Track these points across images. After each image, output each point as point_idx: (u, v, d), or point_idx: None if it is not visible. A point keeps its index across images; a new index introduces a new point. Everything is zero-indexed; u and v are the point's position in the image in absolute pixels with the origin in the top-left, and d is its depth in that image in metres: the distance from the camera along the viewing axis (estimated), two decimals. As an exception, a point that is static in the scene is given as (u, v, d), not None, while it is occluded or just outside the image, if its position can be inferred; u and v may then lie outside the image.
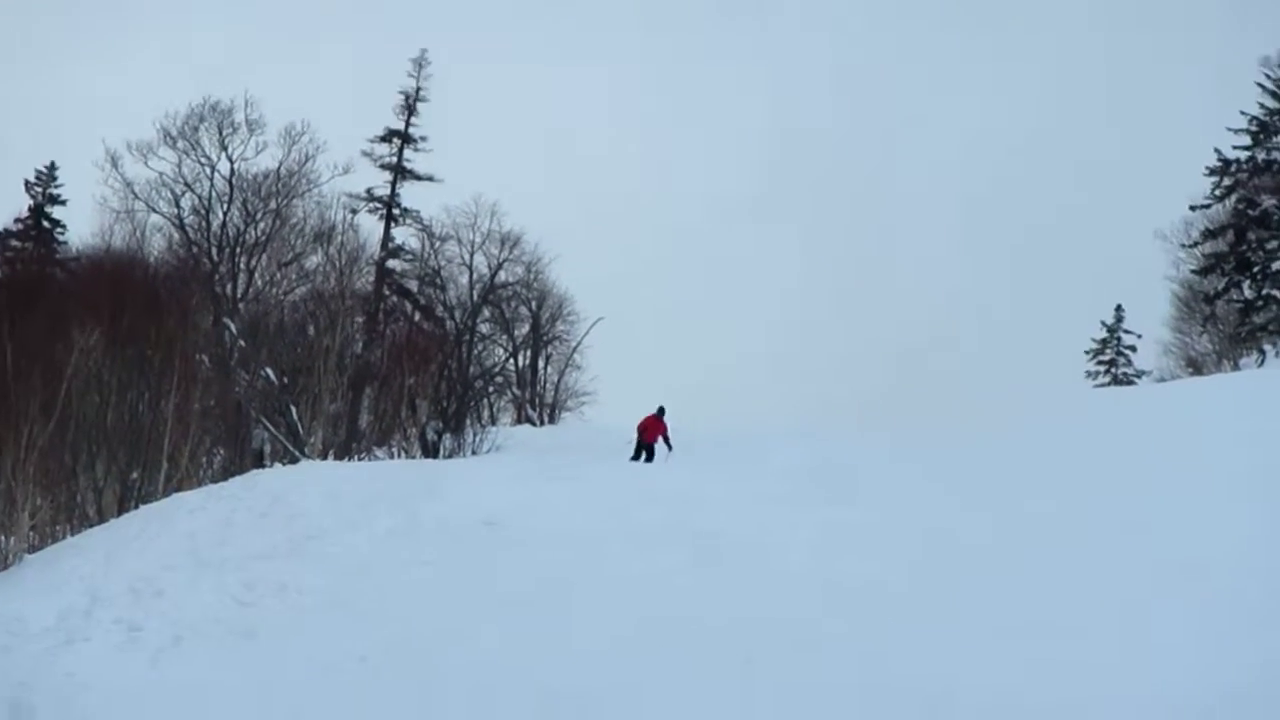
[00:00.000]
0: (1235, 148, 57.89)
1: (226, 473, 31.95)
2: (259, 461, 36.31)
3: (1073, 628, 12.65)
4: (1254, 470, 18.51)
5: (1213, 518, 16.08)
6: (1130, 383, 67.75)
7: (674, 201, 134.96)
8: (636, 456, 31.97)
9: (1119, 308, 73.59)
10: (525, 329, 69.55)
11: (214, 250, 54.59)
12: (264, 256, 55.70)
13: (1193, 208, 61.49)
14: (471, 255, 66.28)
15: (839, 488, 21.92)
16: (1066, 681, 11.29)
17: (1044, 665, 11.61)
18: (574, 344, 69.83)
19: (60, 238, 55.85)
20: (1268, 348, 53.51)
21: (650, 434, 32.47)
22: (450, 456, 37.30)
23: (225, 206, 55.72)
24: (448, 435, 39.72)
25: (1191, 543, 15.11)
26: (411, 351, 43.27)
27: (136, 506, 24.94)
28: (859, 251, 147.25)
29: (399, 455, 38.22)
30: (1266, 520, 16.00)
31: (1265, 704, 10.36)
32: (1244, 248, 56.79)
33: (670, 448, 32.00)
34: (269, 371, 39.75)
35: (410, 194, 61.75)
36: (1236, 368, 53.79)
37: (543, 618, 13.21)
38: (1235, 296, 58.16)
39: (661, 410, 33.28)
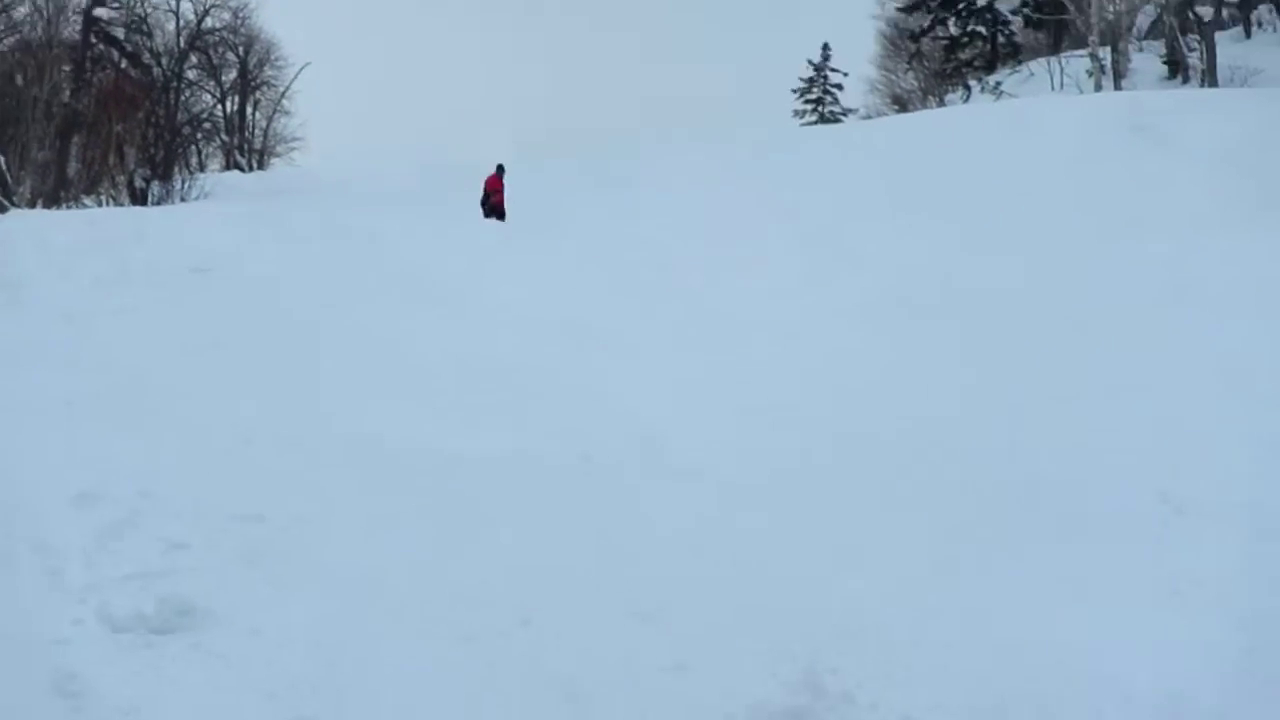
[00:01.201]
0: (943, -114, 58.26)
1: (-69, 222, 30.92)
2: (-34, 212, 35.14)
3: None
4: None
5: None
6: (837, 120, 68.64)
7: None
8: (488, 215, 29.19)
9: (825, 46, 74.18)
10: (233, 75, 67.88)
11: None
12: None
13: (898, -53, 61.92)
14: (178, 1, 64.11)
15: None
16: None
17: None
18: (282, 89, 68.54)
19: None
20: (973, 84, 54.58)
21: (494, 193, 29.45)
22: (159, 203, 36.49)
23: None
24: (156, 182, 38.81)
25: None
26: (119, 99, 42.03)
27: None
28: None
29: (108, 203, 37.28)
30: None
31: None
32: (948, -15, 57.73)
33: (502, 216, 28.83)
34: (-25, 120, 38.24)
35: (117, -58, 59.31)
36: (942, 104, 54.80)
37: (248, 360, 13.26)
38: (940, 34, 59.24)
39: (500, 169, 30.21)
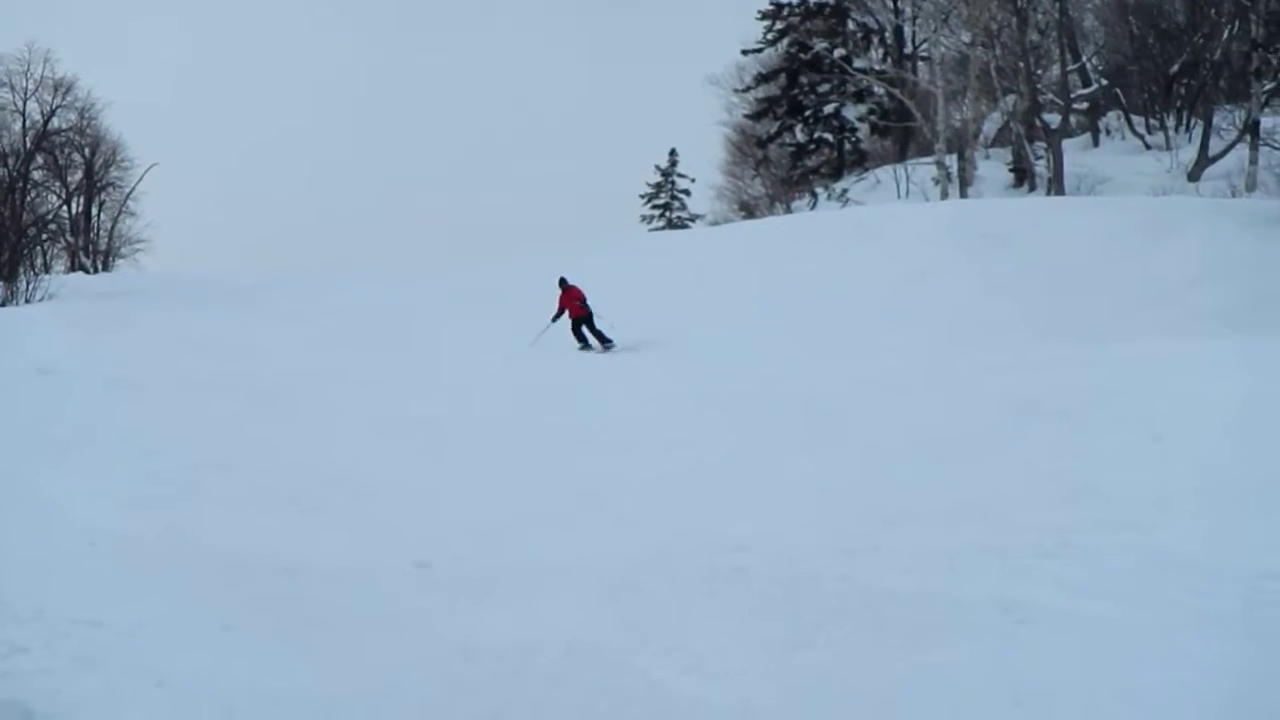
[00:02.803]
0: (788, -9, 59.21)
1: None
2: None
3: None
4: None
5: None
6: (685, 226, 69.06)
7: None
8: (584, 337, 27.36)
9: (673, 151, 74.74)
10: (79, 176, 67.18)
11: None
12: None
13: (745, 52, 62.88)
14: (24, 102, 63.49)
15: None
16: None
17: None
18: (128, 190, 67.96)
19: None
20: (820, 190, 55.26)
21: (574, 307, 27.35)
22: (3, 305, 35.96)
23: None
24: (0, 284, 38.21)
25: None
26: (-37, 199, 41.42)
27: None
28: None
29: (-50, 304, 36.64)
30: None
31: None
32: (796, 91, 58.57)
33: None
34: None
35: (-41, 42, 58.73)
36: (789, 210, 55.33)
37: (92, 461, 13.14)
38: (788, 140, 59.99)
39: (563, 280, 27.95)
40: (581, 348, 26.80)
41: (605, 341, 26.80)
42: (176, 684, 7.22)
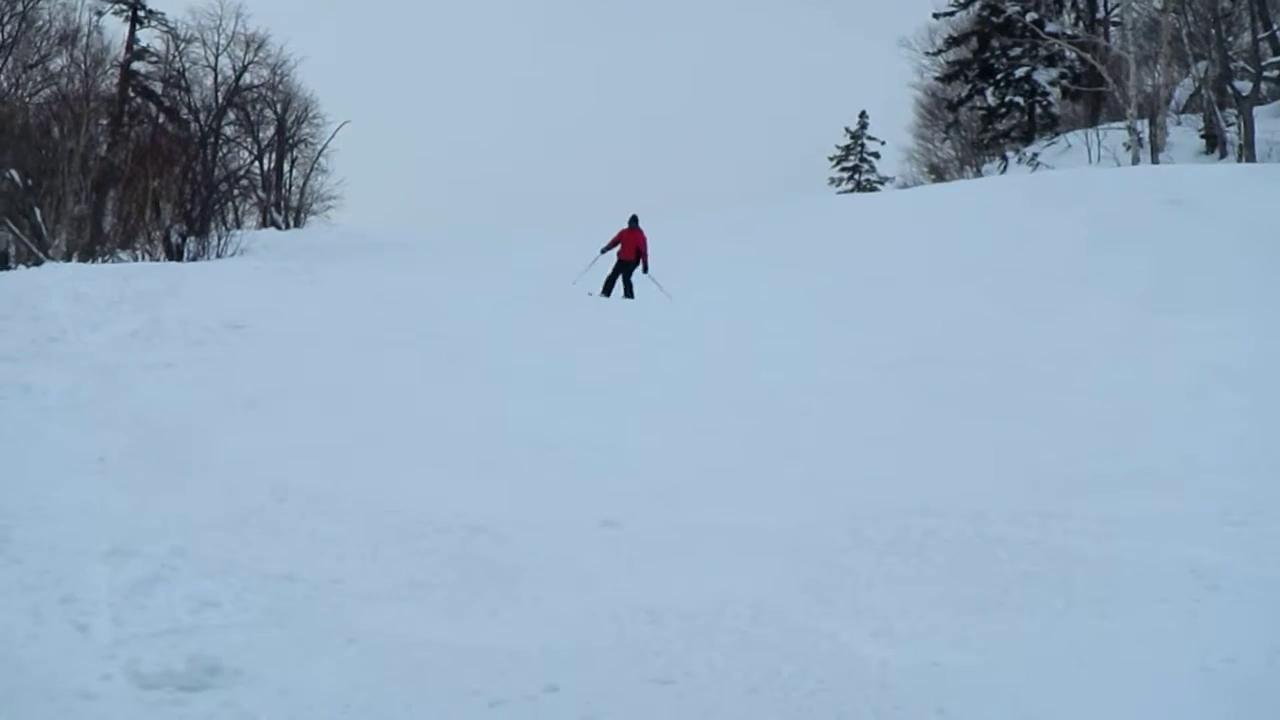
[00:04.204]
0: (981, -44, 58.48)
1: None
2: (3, 264, 35.37)
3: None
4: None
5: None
6: (874, 189, 68.76)
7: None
8: (611, 282, 27.33)
9: (863, 114, 74.54)
10: (270, 132, 68.37)
11: (-43, 52, 52.38)
12: (9, 59, 53.43)
13: (936, 15, 62.22)
14: (217, 57, 65.01)
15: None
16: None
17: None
18: (319, 147, 68.97)
19: None
20: (1010, 154, 54.66)
21: (628, 249, 27.22)
22: (195, 259, 36.70)
23: (-32, 8, 53.40)
24: (192, 238, 39.02)
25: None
26: (156, 154, 42.26)
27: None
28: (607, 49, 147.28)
29: (143, 258, 37.46)
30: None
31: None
32: (987, 55, 57.99)
33: (647, 268, 27.01)
34: (13, 173, 38.41)
35: (156, -5, 60.12)
36: (979, 174, 54.87)
37: (281, 418, 13.34)
38: (978, 103, 59.42)
39: (634, 220, 27.61)
40: (602, 294, 26.83)
41: (628, 294, 26.91)
42: (366, 640, 7.26)
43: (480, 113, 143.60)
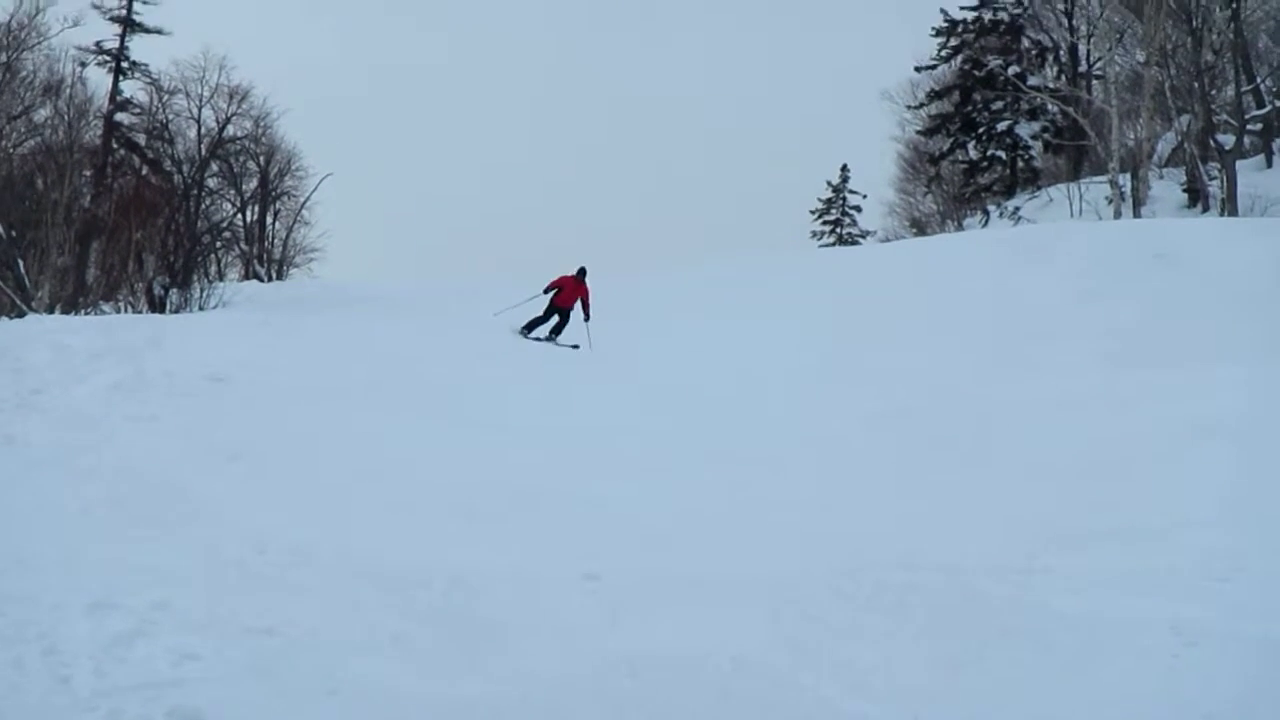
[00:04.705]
0: (962, 8, 59.08)
1: (-48, 327, 31.03)
2: (-14, 316, 35.32)
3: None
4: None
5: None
6: (856, 242, 69.03)
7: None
8: (544, 321, 27.73)
9: (844, 168, 74.90)
10: (254, 184, 68.42)
11: (-60, 104, 52.40)
12: (-7, 110, 53.45)
13: (918, 69, 62.59)
14: (200, 109, 64.98)
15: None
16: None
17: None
18: (302, 200, 69.06)
19: None
20: (991, 208, 54.91)
21: (566, 297, 27.58)
22: (178, 311, 36.66)
23: (-49, 60, 53.49)
24: (175, 290, 38.98)
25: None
26: (139, 205, 42.20)
27: None
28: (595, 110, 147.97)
29: (126, 310, 37.41)
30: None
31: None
32: (969, 108, 58.27)
33: (587, 317, 27.40)
34: (-2, 225, 38.43)
35: (139, 47, 60.24)
36: (960, 228, 55.08)
37: (261, 469, 13.35)
38: (960, 157, 59.66)
39: (582, 272, 28.03)
40: (523, 331, 27.31)
41: (551, 338, 27.27)
42: (347, 693, 7.30)
43: (465, 164, 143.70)
